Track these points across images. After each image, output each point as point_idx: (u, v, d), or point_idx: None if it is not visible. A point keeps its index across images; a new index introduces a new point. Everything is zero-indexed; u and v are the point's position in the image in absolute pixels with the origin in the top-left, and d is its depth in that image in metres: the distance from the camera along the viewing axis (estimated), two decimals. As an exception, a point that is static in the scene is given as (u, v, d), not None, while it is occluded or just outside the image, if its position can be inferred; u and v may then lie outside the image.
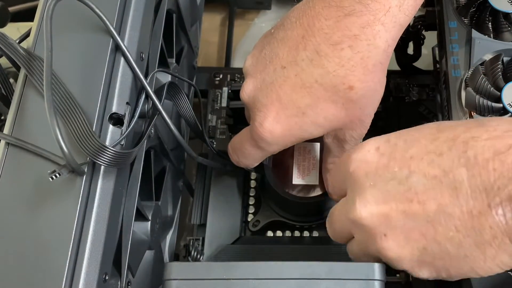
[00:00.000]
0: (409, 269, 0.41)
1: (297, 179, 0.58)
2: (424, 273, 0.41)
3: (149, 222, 0.52)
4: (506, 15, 0.53)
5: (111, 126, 0.43)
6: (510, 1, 0.53)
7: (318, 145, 0.59)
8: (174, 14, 0.59)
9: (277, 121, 0.48)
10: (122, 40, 0.45)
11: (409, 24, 0.61)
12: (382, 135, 0.43)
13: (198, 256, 0.59)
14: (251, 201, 0.62)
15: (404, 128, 0.43)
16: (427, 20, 0.61)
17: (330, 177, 0.48)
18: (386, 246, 0.40)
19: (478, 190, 0.36)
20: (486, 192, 0.36)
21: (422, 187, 0.38)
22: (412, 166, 0.39)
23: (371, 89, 0.47)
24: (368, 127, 0.50)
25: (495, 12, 0.53)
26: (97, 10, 0.44)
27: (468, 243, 0.37)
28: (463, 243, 0.37)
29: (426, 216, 0.38)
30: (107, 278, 0.42)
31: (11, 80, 0.49)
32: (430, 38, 0.63)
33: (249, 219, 0.62)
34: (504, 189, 0.35)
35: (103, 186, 0.42)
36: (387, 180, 0.40)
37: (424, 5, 0.61)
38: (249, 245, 0.60)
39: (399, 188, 0.39)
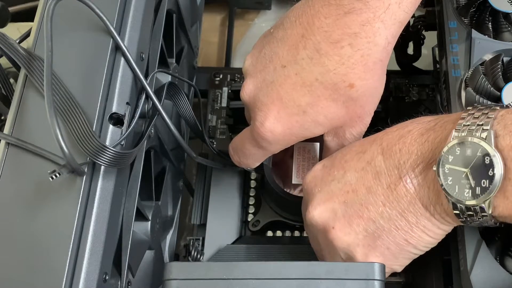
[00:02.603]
0: (364, 258, 0.46)
1: (296, 179, 0.58)
2: (374, 260, 0.45)
3: (149, 222, 0.52)
4: (506, 15, 0.53)
5: (111, 126, 0.43)
6: (510, 1, 0.53)
7: (317, 145, 0.59)
8: (174, 14, 0.59)
9: (278, 120, 0.48)
10: (122, 40, 0.45)
11: (409, 24, 0.61)
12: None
13: (198, 256, 0.59)
14: (251, 201, 0.62)
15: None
16: (427, 20, 0.61)
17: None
18: (336, 237, 0.46)
19: (391, 168, 0.44)
20: (397, 168, 0.44)
21: (355, 179, 0.46)
22: (346, 167, 0.47)
23: (371, 86, 0.47)
24: (367, 125, 0.50)
25: (495, 12, 0.53)
26: (97, 10, 0.44)
27: (394, 214, 0.44)
28: (391, 215, 0.44)
29: (359, 200, 0.45)
30: (107, 278, 0.42)
31: (11, 80, 0.49)
32: (430, 38, 0.62)
33: (249, 219, 0.62)
34: (407, 162, 0.43)
35: (103, 186, 0.42)
36: (329, 182, 0.47)
37: (424, 5, 0.61)
38: (249, 245, 0.60)
39: (338, 185, 0.47)
